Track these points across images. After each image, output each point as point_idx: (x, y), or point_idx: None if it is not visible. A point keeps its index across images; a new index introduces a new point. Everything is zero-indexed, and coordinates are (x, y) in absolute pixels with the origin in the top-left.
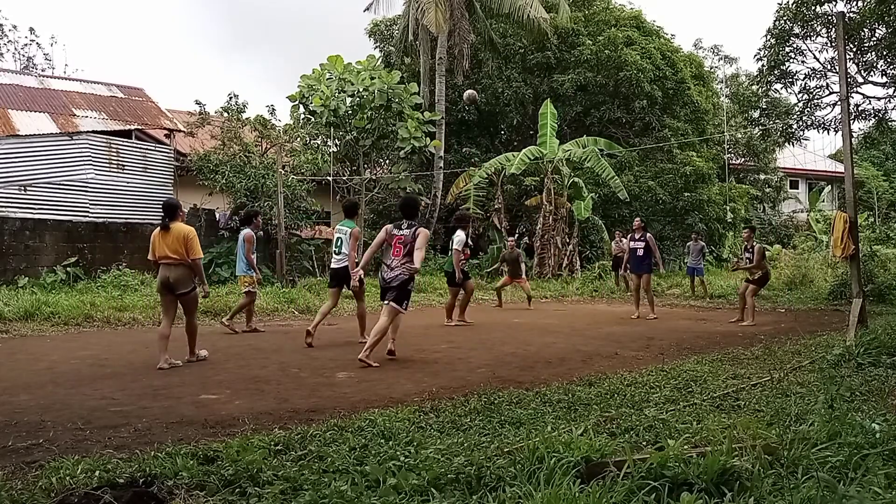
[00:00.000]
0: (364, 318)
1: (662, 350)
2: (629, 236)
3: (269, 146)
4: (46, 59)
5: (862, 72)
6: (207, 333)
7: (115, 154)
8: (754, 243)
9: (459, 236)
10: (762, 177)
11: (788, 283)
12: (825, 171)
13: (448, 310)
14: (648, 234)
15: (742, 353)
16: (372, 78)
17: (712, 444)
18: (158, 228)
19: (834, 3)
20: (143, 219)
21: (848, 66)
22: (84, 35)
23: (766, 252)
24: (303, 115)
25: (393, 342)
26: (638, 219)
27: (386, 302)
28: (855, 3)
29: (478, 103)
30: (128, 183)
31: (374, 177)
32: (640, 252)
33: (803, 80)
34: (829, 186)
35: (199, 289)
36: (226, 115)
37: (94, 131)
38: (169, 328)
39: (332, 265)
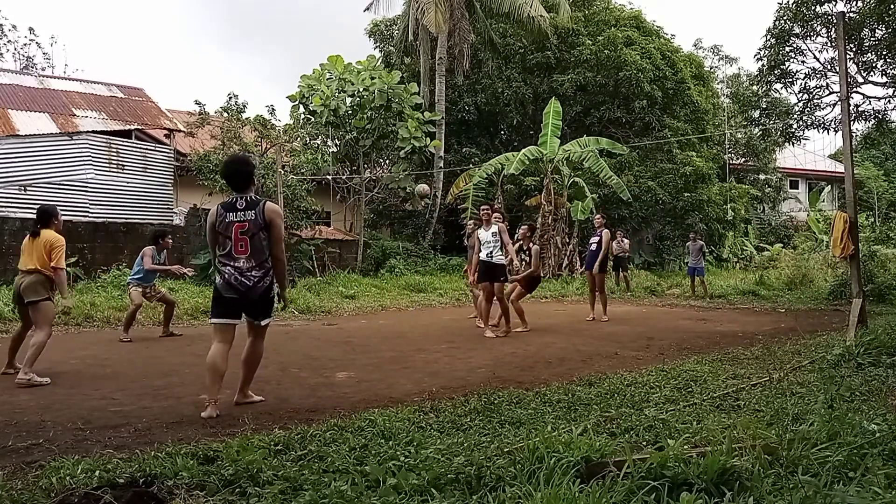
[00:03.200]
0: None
1: (662, 350)
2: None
3: (269, 146)
4: (46, 59)
5: (862, 72)
6: (207, 334)
7: (115, 154)
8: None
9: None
10: (762, 177)
11: (788, 283)
12: (825, 171)
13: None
14: (604, 232)
15: (742, 353)
16: (372, 78)
17: (712, 444)
18: (28, 235)
19: (834, 3)
20: (143, 219)
21: (848, 66)
22: (84, 35)
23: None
24: (303, 115)
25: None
26: (599, 215)
27: (257, 322)
28: (855, 3)
29: (429, 197)
30: (128, 183)
31: (374, 177)
32: (594, 248)
33: (803, 80)
34: (829, 186)
35: (58, 300)
36: (226, 115)
37: (94, 131)
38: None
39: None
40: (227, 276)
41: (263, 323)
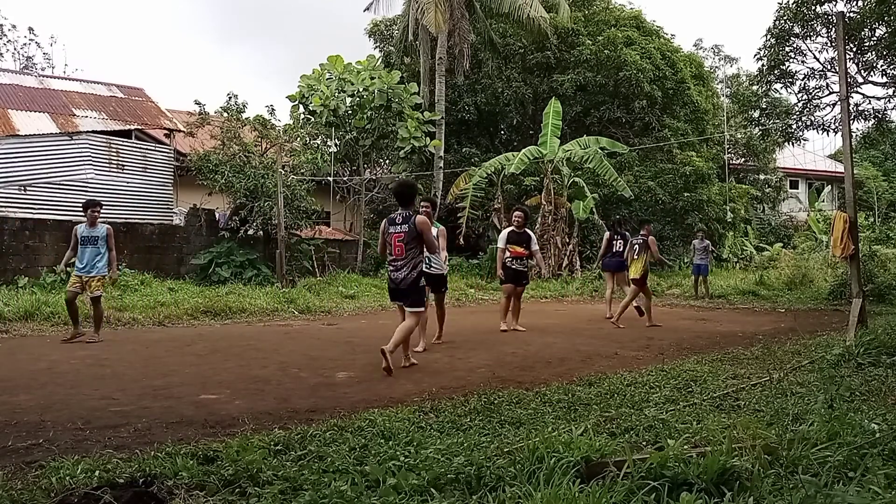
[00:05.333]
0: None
1: (662, 350)
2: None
3: (268, 146)
4: (46, 58)
5: (862, 72)
6: (207, 334)
7: (115, 154)
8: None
9: (501, 234)
10: (762, 177)
11: (788, 283)
12: (825, 171)
13: (503, 311)
14: (606, 234)
15: (742, 353)
16: (372, 78)
17: (712, 444)
18: None
19: (834, 3)
20: (143, 219)
21: (848, 66)
22: (84, 35)
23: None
24: (303, 115)
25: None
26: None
27: (407, 308)
28: (855, 3)
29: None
30: (128, 183)
31: (373, 177)
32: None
33: (803, 80)
34: (829, 186)
35: None
36: (225, 115)
37: (94, 131)
38: None
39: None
40: (389, 272)
41: (411, 310)
